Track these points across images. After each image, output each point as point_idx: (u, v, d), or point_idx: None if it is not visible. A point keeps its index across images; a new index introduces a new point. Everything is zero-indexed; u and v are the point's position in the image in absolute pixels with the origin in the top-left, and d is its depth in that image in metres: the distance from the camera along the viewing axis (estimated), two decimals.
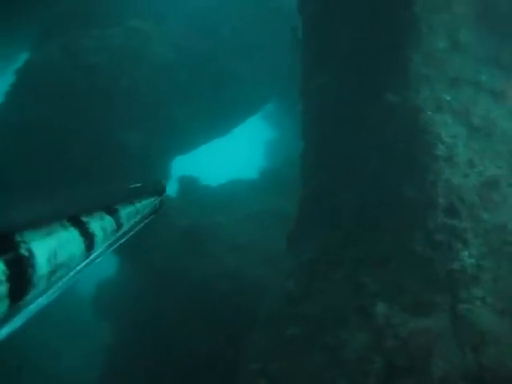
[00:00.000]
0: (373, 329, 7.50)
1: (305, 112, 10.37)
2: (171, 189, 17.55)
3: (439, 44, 8.30)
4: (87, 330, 20.62)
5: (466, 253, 7.36)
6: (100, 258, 1.55)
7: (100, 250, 1.54)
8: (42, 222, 1.19)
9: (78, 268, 1.37)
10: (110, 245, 1.67)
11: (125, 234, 1.85)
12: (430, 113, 8.09)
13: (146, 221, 2.23)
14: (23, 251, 1.06)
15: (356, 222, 8.87)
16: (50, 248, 1.18)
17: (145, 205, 2.17)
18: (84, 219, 1.44)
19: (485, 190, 7.77)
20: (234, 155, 39.19)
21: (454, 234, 7.52)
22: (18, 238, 1.06)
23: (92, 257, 1.48)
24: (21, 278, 1.04)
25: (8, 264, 0.99)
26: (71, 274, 1.32)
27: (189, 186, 17.54)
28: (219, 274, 14.29)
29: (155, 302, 14.74)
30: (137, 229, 2.03)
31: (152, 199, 2.34)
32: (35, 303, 1.16)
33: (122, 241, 1.82)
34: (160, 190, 2.53)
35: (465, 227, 7.53)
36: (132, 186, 2.20)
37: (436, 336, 7.10)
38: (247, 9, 16.61)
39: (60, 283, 1.26)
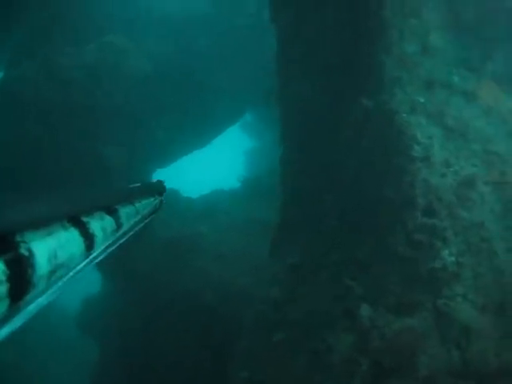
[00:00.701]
0: (358, 331, 7.55)
1: (282, 118, 10.47)
2: None
3: (410, 48, 8.46)
4: (73, 346, 20.38)
5: (446, 251, 7.47)
6: (99, 258, 1.55)
7: (100, 250, 1.54)
8: (42, 222, 1.18)
9: (78, 268, 1.37)
10: (110, 245, 1.66)
11: (125, 233, 1.85)
12: (404, 115, 8.23)
13: (146, 221, 2.24)
14: (23, 251, 1.06)
15: (338, 226, 8.95)
16: (50, 248, 1.17)
17: (144, 205, 2.19)
18: (84, 219, 1.44)
19: (462, 189, 7.91)
20: (214, 165, 39.23)
21: (433, 233, 7.63)
22: (18, 237, 1.06)
23: (92, 257, 1.48)
24: (21, 278, 1.04)
25: (8, 264, 0.99)
26: (71, 274, 1.32)
27: (170, 198, 17.45)
28: (204, 285, 14.27)
29: (140, 316, 14.63)
30: (137, 229, 2.03)
31: (152, 199, 2.36)
32: (35, 303, 1.16)
33: (121, 241, 1.81)
34: (160, 190, 2.56)
35: (444, 226, 7.64)
36: (132, 185, 2.21)
37: (420, 335, 7.18)
38: (222, 22, 16.75)
39: (60, 283, 1.26)
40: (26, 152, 13.36)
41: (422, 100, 8.48)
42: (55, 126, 13.79)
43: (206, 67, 16.53)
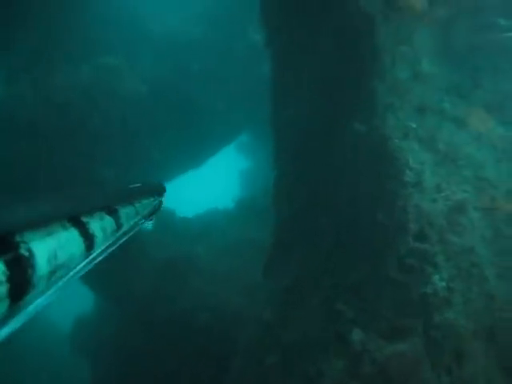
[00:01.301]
0: (350, 355, 7.56)
1: (276, 142, 10.58)
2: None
3: (402, 74, 8.61)
4: (66, 364, 20.22)
5: (437, 276, 7.52)
6: (99, 259, 1.55)
7: (100, 250, 1.54)
8: (42, 223, 1.18)
9: (78, 268, 1.37)
10: (110, 245, 1.66)
11: (125, 234, 1.84)
12: (396, 140, 8.34)
13: (146, 221, 2.25)
14: (23, 251, 1.06)
15: (331, 249, 9.00)
16: (49, 248, 1.17)
17: (144, 205, 2.19)
18: (84, 219, 1.44)
19: (452, 214, 7.99)
20: (209, 185, 39.29)
21: (425, 258, 7.69)
22: (18, 238, 1.06)
23: (92, 257, 1.47)
24: (21, 279, 1.04)
25: (8, 264, 0.99)
26: (71, 274, 1.32)
27: (165, 218, 17.52)
28: (199, 306, 14.25)
29: (135, 337, 14.55)
30: (136, 229, 2.03)
31: (151, 199, 2.36)
32: (35, 303, 1.16)
33: (121, 241, 1.81)
34: (160, 191, 2.56)
35: (435, 251, 7.71)
36: (132, 186, 2.21)
37: (412, 360, 7.20)
38: (217, 44, 16.95)
39: (60, 283, 1.25)
40: (21, 172, 13.41)
41: (413, 125, 8.60)
42: (51, 146, 13.85)
43: (202, 88, 16.68)
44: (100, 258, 1.56)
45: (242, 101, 17.23)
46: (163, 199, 2.56)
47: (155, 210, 2.42)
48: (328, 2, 8.92)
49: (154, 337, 14.09)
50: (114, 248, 1.70)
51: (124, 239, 1.84)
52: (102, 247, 1.57)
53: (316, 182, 9.56)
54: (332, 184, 9.20)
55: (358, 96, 8.94)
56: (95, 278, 16.09)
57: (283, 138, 10.35)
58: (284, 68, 10.19)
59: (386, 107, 8.60)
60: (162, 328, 14.08)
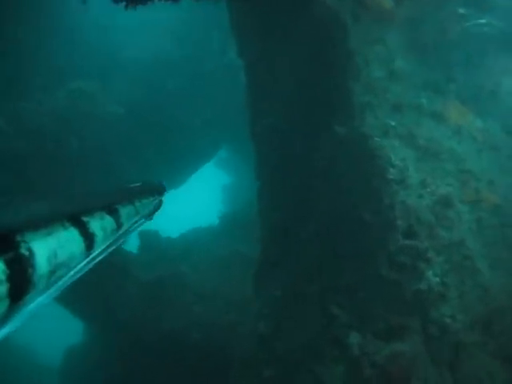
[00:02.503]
0: (349, 360, 7.41)
1: (257, 152, 10.49)
2: (132, 245, 17.32)
3: (377, 74, 8.62)
4: None
5: (430, 272, 7.44)
6: (99, 258, 1.55)
7: (100, 249, 1.54)
8: (42, 222, 1.18)
9: (78, 268, 1.36)
10: (110, 244, 1.66)
11: (125, 233, 1.85)
12: (377, 139, 8.31)
13: (146, 220, 2.26)
14: (23, 251, 1.05)
15: (319, 254, 8.88)
16: (50, 248, 1.17)
17: (145, 204, 2.19)
18: (84, 219, 1.44)
19: (439, 209, 7.96)
20: (192, 204, 39.16)
21: (416, 254, 7.62)
22: (18, 237, 1.05)
23: (92, 256, 1.47)
24: (21, 278, 1.03)
25: (8, 263, 0.98)
26: (71, 273, 1.31)
27: (150, 240, 17.34)
28: (189, 325, 14.08)
29: (126, 362, 14.24)
30: (136, 228, 2.04)
31: (152, 199, 2.36)
32: (35, 303, 1.15)
33: (121, 240, 1.81)
34: (160, 190, 2.55)
35: (426, 247, 7.64)
36: (132, 185, 2.21)
37: (412, 359, 7.08)
38: (190, 62, 16.97)
39: (60, 283, 1.26)
40: None
41: (393, 123, 8.60)
42: (28, 173, 13.62)
43: (178, 107, 16.64)
44: (100, 258, 1.56)
45: (218, 116, 17.20)
46: (163, 198, 2.57)
47: (155, 209, 2.45)
48: (297, 6, 8.91)
49: (147, 359, 13.81)
50: (114, 248, 1.71)
51: (124, 239, 1.86)
52: (103, 247, 1.57)
53: (300, 189, 9.46)
54: (316, 189, 9.12)
55: (335, 98, 8.93)
56: (82, 306, 15.82)
57: (264, 147, 10.27)
58: (259, 77, 10.15)
59: (363, 107, 8.59)
60: (154, 350, 13.82)
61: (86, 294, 15.03)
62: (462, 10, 9.03)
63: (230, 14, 10.21)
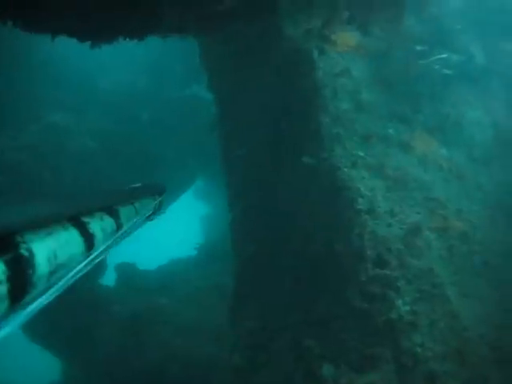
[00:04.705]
0: None
1: (229, 184, 10.55)
2: (108, 278, 17.11)
3: (344, 106, 8.79)
4: None
5: (400, 301, 7.48)
6: (99, 259, 1.54)
7: (100, 250, 1.54)
8: (42, 223, 1.18)
9: (78, 268, 1.36)
10: (110, 245, 1.66)
11: (124, 234, 1.85)
12: (346, 169, 8.42)
13: (146, 220, 2.28)
14: (23, 251, 1.06)
15: (293, 286, 8.88)
16: (49, 248, 1.17)
17: (144, 205, 2.21)
18: (84, 220, 1.44)
19: (408, 237, 8.04)
20: (170, 235, 38.93)
21: (386, 283, 7.66)
22: (18, 238, 1.06)
23: (92, 257, 1.47)
24: (21, 279, 1.04)
25: (8, 264, 0.99)
26: (71, 274, 1.31)
27: (127, 273, 17.17)
28: (168, 358, 13.89)
29: None
30: (137, 229, 2.05)
31: (151, 199, 2.39)
32: (35, 304, 1.15)
33: (121, 240, 1.81)
34: (160, 191, 2.58)
35: (396, 276, 7.69)
36: (132, 186, 2.23)
37: None
38: (161, 94, 17.13)
39: (59, 283, 1.25)
40: None
41: (361, 154, 8.73)
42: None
43: (152, 138, 16.70)
44: (100, 258, 1.56)
45: (194, 147, 17.29)
46: (163, 199, 2.60)
47: (155, 210, 2.47)
48: (266, 40, 9.11)
49: None
50: (114, 247, 1.71)
51: (124, 239, 1.86)
52: (102, 247, 1.58)
53: (272, 221, 9.51)
54: (288, 220, 9.17)
55: (305, 129, 9.06)
56: (58, 343, 15.51)
57: (236, 179, 10.34)
58: (229, 109, 10.27)
59: (332, 138, 8.72)
60: None
61: (62, 330, 14.78)
62: (420, 47, 9.33)
63: (200, 47, 10.37)
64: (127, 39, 6.09)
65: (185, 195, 21.16)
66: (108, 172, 15.73)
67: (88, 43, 6.34)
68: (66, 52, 15.42)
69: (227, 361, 9.49)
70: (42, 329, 14.47)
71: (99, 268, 15.94)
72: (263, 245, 9.56)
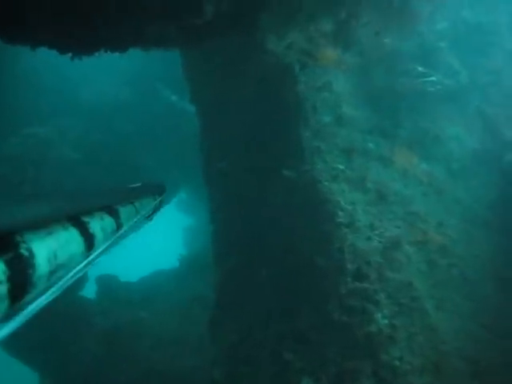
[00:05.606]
0: None
1: (210, 197, 10.54)
2: (89, 291, 16.91)
3: (325, 119, 8.86)
4: None
5: (379, 314, 7.51)
6: (99, 259, 1.54)
7: (100, 250, 1.54)
8: (42, 223, 1.18)
9: (78, 268, 1.36)
10: (110, 245, 1.65)
11: (125, 233, 1.85)
12: (326, 183, 8.47)
13: (146, 220, 2.29)
14: (23, 251, 1.06)
15: (273, 299, 8.87)
16: (50, 248, 1.17)
17: (144, 205, 2.20)
18: (84, 219, 1.44)
19: (388, 251, 8.10)
20: (153, 247, 38.68)
21: (365, 297, 7.68)
22: (18, 238, 1.06)
23: (92, 257, 1.47)
24: (21, 278, 1.04)
25: (8, 264, 0.99)
26: (71, 274, 1.31)
27: (108, 285, 16.98)
28: (148, 372, 13.73)
29: None
30: (137, 228, 2.05)
31: (151, 199, 2.39)
32: (35, 303, 1.15)
33: (121, 240, 1.81)
34: (160, 190, 2.59)
35: (375, 289, 7.73)
36: (132, 186, 2.22)
37: None
38: (143, 106, 17.11)
39: (60, 283, 1.25)
40: None
41: (341, 167, 8.79)
42: None
43: (135, 150, 16.65)
44: (100, 258, 1.56)
45: (176, 159, 17.27)
46: (164, 198, 2.61)
47: (155, 210, 2.48)
48: (247, 54, 9.16)
49: None
50: (113, 247, 1.71)
51: (124, 239, 1.87)
52: (102, 247, 1.57)
53: (253, 233, 9.51)
54: (269, 233, 9.18)
55: (286, 143, 9.11)
56: (37, 357, 15.25)
57: (218, 191, 10.33)
58: (211, 122, 10.29)
59: (313, 152, 8.78)
60: None
61: (41, 344, 14.54)
62: (419, 68, 9.47)
63: (182, 61, 10.40)
64: (109, 52, 6.09)
65: (168, 207, 21.11)
66: (90, 183, 15.63)
67: (69, 55, 6.33)
68: (47, 63, 15.41)
69: (208, 373, 9.43)
70: (21, 343, 14.24)
71: (79, 280, 15.77)
72: (244, 257, 9.55)
